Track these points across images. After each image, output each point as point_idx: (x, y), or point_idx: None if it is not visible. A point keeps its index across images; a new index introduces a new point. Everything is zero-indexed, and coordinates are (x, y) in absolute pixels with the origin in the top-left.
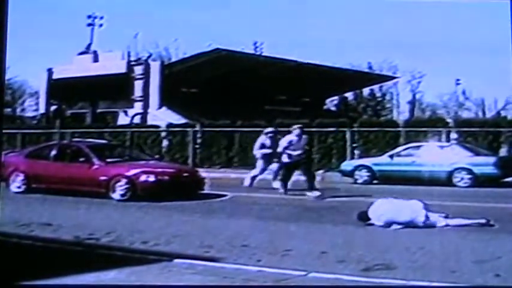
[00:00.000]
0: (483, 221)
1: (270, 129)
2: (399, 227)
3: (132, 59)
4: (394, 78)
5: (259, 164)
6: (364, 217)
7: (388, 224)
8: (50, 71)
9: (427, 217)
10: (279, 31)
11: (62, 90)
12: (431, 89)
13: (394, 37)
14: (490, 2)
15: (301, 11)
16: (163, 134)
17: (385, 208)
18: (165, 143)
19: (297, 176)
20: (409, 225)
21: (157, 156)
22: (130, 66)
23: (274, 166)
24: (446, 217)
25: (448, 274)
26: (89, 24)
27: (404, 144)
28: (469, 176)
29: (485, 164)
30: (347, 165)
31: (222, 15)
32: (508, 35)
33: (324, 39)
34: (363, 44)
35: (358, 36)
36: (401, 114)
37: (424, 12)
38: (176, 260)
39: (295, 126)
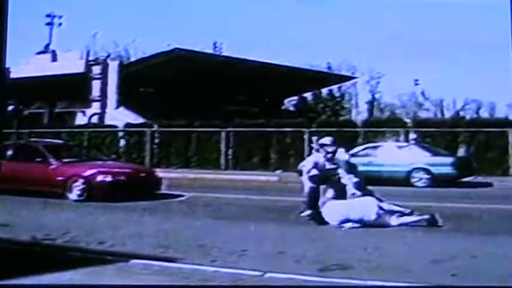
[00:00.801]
0: (427, 216)
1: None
2: (355, 225)
3: (90, 58)
4: (353, 78)
5: None
6: (316, 217)
7: (342, 223)
8: (7, 71)
9: (378, 215)
10: (239, 31)
11: (19, 90)
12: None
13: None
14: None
15: (261, 12)
16: (120, 134)
17: (338, 206)
18: (122, 143)
19: None
20: (361, 222)
21: (114, 156)
22: (88, 66)
23: None
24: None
25: (403, 274)
26: (48, 24)
27: (363, 144)
28: (427, 176)
29: (443, 164)
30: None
31: (182, 16)
32: (508, 35)
33: (283, 40)
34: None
35: (317, 37)
36: (359, 114)
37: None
38: (132, 261)
39: None
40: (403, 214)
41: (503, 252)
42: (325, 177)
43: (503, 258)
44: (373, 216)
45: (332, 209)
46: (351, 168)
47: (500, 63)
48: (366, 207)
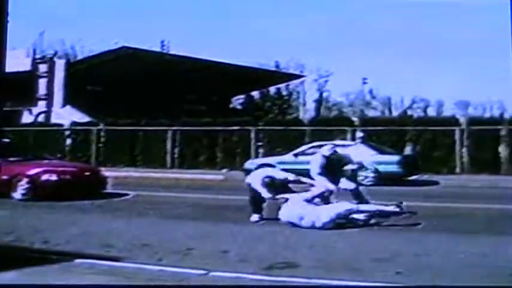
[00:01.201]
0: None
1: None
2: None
3: (37, 56)
4: (301, 76)
5: None
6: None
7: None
8: None
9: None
10: (187, 30)
11: None
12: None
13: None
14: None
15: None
16: (66, 132)
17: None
18: (68, 141)
19: None
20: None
21: (60, 155)
22: (35, 64)
23: None
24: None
25: (350, 272)
26: None
27: (310, 143)
28: (373, 175)
29: (389, 163)
30: (251, 164)
31: (129, 14)
32: (509, 35)
33: (231, 38)
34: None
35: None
36: (307, 113)
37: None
38: (77, 260)
39: None
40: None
41: (446, 250)
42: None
43: (446, 256)
44: (323, 221)
45: (288, 210)
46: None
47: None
48: (320, 211)
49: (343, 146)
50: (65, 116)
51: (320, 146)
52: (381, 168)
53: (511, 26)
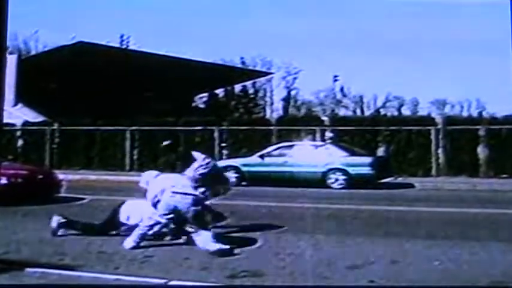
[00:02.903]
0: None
1: None
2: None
3: None
4: (268, 74)
5: None
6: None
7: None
8: None
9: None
10: (147, 24)
11: None
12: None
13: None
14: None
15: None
16: (18, 133)
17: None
18: (20, 142)
19: None
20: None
21: (11, 157)
22: None
23: None
24: None
25: (320, 280)
26: None
27: (277, 143)
28: (344, 177)
29: (361, 165)
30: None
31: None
32: (508, 35)
33: (194, 33)
34: (236, 38)
35: (230, 30)
36: (275, 111)
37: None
38: (28, 269)
39: None
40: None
41: (424, 256)
42: None
43: (425, 262)
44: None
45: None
46: None
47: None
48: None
49: (314, 146)
50: (17, 115)
51: (288, 147)
52: (352, 170)
53: (511, 26)
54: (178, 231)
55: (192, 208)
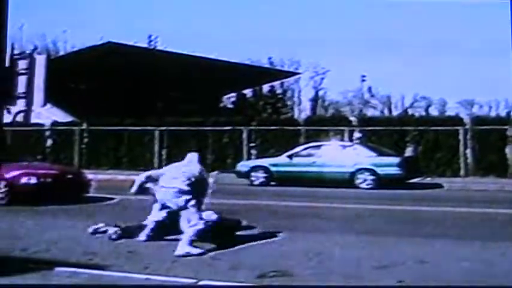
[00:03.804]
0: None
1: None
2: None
3: (15, 52)
4: (296, 74)
5: None
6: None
7: None
8: None
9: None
10: (176, 25)
11: None
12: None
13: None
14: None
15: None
16: (47, 133)
17: None
18: (49, 142)
19: None
20: None
21: (40, 157)
22: (13, 60)
23: None
24: None
25: (349, 280)
26: None
27: (305, 143)
28: (372, 177)
29: (390, 165)
30: (243, 166)
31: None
32: (509, 35)
33: (222, 33)
34: (264, 39)
35: (258, 31)
36: (302, 112)
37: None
38: (57, 268)
39: None
40: None
41: (453, 257)
42: None
43: (454, 262)
44: None
45: None
46: None
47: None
48: None
49: (343, 147)
50: (46, 115)
51: (316, 147)
52: (380, 171)
53: (511, 26)
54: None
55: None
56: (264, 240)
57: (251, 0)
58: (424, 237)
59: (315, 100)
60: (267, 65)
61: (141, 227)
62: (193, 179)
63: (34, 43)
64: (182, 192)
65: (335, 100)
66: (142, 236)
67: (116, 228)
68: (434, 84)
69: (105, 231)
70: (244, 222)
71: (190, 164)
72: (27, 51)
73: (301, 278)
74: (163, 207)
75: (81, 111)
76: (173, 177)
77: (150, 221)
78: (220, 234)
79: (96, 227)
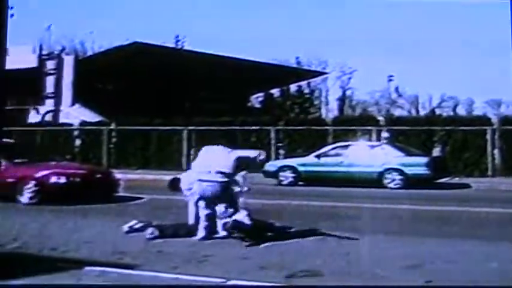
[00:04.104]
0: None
1: None
2: None
3: (44, 52)
4: (323, 74)
5: None
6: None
7: None
8: None
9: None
10: (203, 24)
11: None
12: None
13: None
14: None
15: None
16: (76, 132)
17: None
18: (77, 142)
19: None
20: None
21: (69, 157)
22: (41, 61)
23: None
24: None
25: (377, 280)
26: None
27: (332, 143)
28: (400, 177)
29: (417, 165)
30: (271, 165)
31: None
32: (508, 35)
33: (249, 33)
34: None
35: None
36: (330, 111)
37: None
38: (87, 268)
39: None
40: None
41: (481, 257)
42: None
43: (481, 263)
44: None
45: None
46: None
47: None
48: None
49: (371, 147)
50: (74, 115)
51: (344, 147)
52: (408, 170)
53: (511, 26)
54: None
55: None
56: (293, 240)
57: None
58: (452, 238)
59: (342, 100)
60: (295, 65)
61: (177, 227)
62: (228, 171)
63: (62, 44)
64: (219, 184)
65: (362, 100)
66: (200, 233)
67: (152, 228)
68: (461, 84)
69: (140, 229)
70: (276, 224)
71: (222, 156)
72: (56, 52)
73: (330, 277)
74: (205, 200)
75: (109, 111)
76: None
77: (201, 218)
78: (252, 234)
79: (131, 224)
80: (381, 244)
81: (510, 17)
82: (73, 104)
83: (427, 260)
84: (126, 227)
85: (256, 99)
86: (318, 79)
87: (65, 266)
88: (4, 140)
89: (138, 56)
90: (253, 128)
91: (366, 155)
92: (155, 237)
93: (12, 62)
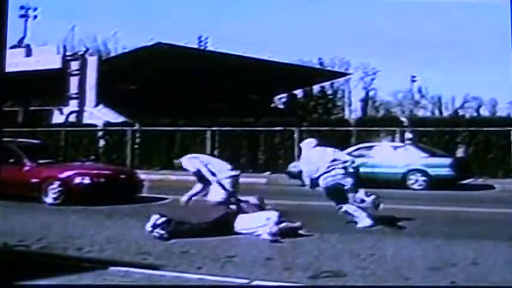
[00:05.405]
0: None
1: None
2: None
3: (68, 53)
4: (346, 74)
5: None
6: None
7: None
8: None
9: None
10: (225, 25)
11: None
12: (386, 86)
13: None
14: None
15: (250, 5)
16: (100, 133)
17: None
18: (101, 143)
19: None
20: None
21: (93, 157)
22: (65, 61)
23: None
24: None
25: (401, 281)
26: (22, 16)
27: (356, 144)
28: (424, 178)
29: (441, 166)
30: (294, 166)
31: (166, 8)
32: (508, 35)
33: (272, 34)
34: (314, 40)
35: (309, 31)
36: (353, 112)
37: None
38: (111, 268)
39: None
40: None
41: (506, 258)
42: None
43: (507, 264)
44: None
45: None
46: None
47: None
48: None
49: (394, 147)
50: (98, 115)
51: (367, 148)
52: (432, 171)
53: (511, 26)
54: None
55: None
56: (317, 241)
57: (302, 1)
58: (476, 239)
59: (365, 101)
60: (317, 66)
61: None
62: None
63: (85, 45)
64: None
65: (385, 100)
66: (366, 222)
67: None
68: (485, 85)
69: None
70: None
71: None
72: (79, 53)
73: (353, 278)
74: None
75: (132, 111)
76: None
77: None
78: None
79: (153, 221)
80: (404, 245)
81: (510, 17)
82: (97, 105)
83: (451, 261)
84: (149, 226)
85: (279, 100)
86: (341, 80)
87: (90, 266)
88: (29, 140)
89: (161, 56)
90: (277, 128)
91: (390, 155)
92: (165, 237)
93: (37, 63)
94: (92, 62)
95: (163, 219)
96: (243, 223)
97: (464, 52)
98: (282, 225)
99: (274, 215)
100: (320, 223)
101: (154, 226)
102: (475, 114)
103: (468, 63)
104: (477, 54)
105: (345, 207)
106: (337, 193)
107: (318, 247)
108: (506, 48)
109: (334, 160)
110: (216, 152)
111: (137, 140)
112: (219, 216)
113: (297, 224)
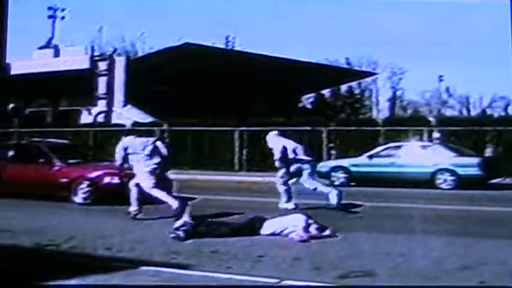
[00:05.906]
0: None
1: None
2: None
3: (95, 53)
4: (374, 74)
5: None
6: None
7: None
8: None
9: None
10: (253, 25)
11: (20, 87)
12: (413, 86)
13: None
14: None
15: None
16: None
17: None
18: None
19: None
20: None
21: None
22: (93, 62)
23: None
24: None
25: (430, 281)
26: (50, 17)
27: (384, 144)
28: (453, 178)
29: (470, 165)
30: (323, 166)
31: (192, 8)
32: (508, 35)
33: (300, 34)
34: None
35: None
36: (381, 112)
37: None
38: (142, 267)
39: None
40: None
41: None
42: None
43: None
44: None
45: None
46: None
47: None
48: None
49: (422, 147)
50: (126, 116)
51: (396, 147)
52: (461, 171)
53: (511, 26)
54: None
55: None
56: (346, 241)
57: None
58: (505, 239)
59: (393, 100)
60: (345, 65)
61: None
62: None
63: (113, 45)
64: None
65: (413, 100)
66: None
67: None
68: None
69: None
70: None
71: None
72: (107, 53)
73: (383, 278)
74: None
75: (160, 111)
76: None
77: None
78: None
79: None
80: (433, 245)
81: (510, 17)
82: (125, 105)
83: (480, 261)
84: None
85: (307, 100)
86: (368, 79)
87: (120, 265)
88: (58, 140)
89: (189, 56)
90: (305, 128)
91: (418, 155)
92: (187, 237)
93: (65, 63)
94: (120, 62)
95: (181, 221)
96: (269, 228)
97: (491, 51)
98: (313, 233)
99: (301, 220)
100: (352, 222)
101: (177, 228)
102: (503, 113)
103: (495, 63)
104: (505, 54)
105: None
106: None
107: (347, 249)
108: None
109: None
110: (244, 152)
111: (165, 140)
112: (246, 221)
113: (327, 232)
